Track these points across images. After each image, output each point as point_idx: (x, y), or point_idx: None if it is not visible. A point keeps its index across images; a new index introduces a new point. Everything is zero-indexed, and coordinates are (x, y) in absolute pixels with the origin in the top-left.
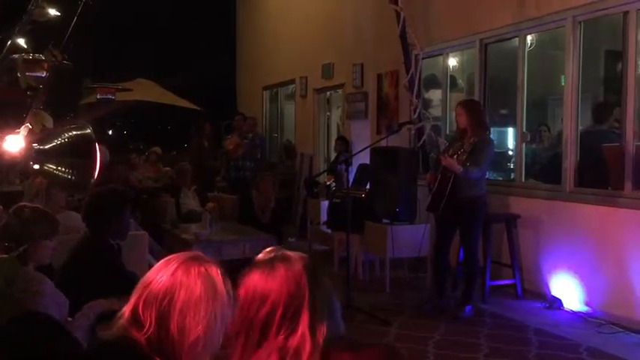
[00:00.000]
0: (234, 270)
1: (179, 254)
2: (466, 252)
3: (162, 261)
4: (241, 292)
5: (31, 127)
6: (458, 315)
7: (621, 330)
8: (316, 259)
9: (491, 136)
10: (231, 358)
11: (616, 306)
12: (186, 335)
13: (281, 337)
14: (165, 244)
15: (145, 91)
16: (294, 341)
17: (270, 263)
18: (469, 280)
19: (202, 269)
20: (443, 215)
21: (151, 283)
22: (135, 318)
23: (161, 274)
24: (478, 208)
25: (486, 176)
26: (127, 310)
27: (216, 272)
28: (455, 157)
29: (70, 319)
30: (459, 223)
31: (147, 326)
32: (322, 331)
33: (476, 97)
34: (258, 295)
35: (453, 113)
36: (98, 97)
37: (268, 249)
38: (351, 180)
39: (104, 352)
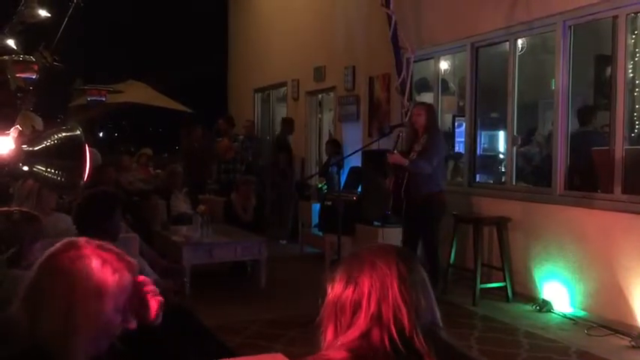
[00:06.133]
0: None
1: None
2: (424, 251)
3: None
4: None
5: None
6: None
7: (611, 332)
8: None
9: (481, 139)
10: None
11: (605, 309)
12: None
13: None
14: (155, 247)
15: (136, 93)
16: None
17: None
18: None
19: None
20: (406, 215)
21: None
22: None
23: None
24: (434, 205)
25: (444, 174)
26: None
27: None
28: (410, 156)
29: None
30: (417, 221)
31: None
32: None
33: (467, 101)
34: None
35: (446, 116)
36: (88, 99)
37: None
38: (342, 183)
39: None
